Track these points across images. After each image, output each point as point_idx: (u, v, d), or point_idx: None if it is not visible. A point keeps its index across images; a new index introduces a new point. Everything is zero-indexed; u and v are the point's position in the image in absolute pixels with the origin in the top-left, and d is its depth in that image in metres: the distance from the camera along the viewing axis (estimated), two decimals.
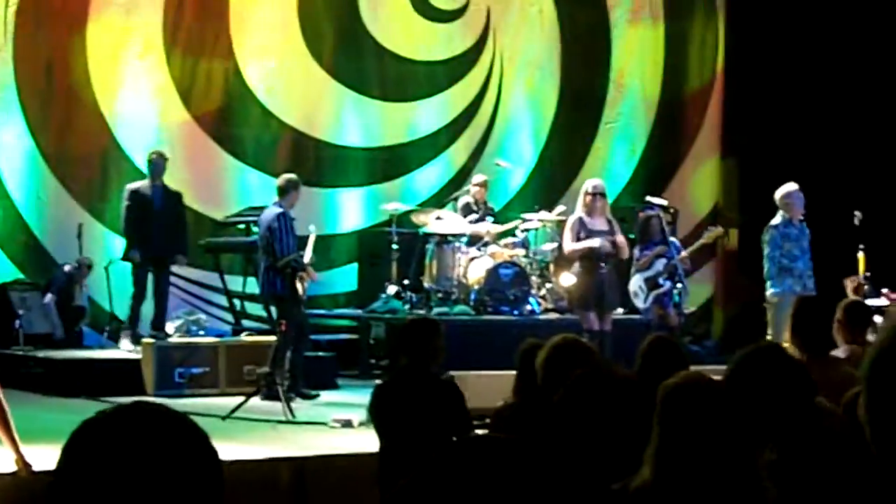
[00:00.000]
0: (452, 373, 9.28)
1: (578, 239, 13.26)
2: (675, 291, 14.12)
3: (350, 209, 17.43)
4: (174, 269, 15.01)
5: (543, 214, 15.77)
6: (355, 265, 17.10)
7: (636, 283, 14.29)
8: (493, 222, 15.77)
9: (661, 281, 14.12)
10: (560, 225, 14.65)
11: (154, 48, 16.28)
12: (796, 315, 7.16)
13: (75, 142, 15.90)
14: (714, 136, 19.40)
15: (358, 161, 17.49)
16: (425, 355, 7.22)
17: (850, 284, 14.05)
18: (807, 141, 17.70)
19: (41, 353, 14.29)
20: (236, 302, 15.97)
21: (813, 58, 17.94)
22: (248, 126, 16.85)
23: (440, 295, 15.26)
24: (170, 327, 14.31)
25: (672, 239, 14.57)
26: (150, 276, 14.31)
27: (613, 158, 18.84)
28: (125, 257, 14.37)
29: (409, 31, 17.78)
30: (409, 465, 6.48)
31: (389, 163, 17.64)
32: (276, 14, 16.97)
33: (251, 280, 15.20)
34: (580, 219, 13.34)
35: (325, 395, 13.43)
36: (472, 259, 15.29)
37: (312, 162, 17.04)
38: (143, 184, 14.32)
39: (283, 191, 13.29)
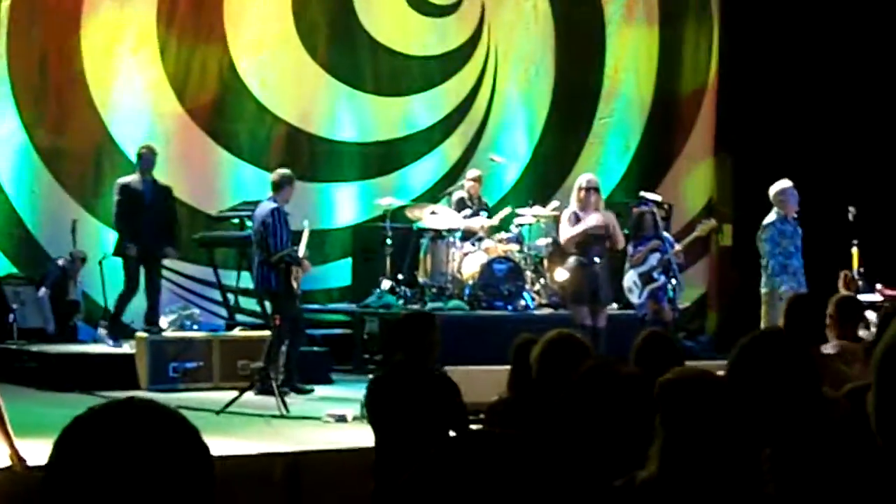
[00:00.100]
0: (447, 367, 9.27)
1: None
2: (670, 287, 14.13)
3: (344, 204, 17.42)
4: (166, 262, 15.04)
5: (537, 209, 15.77)
6: (349, 260, 17.10)
7: (630, 278, 14.30)
8: (488, 217, 15.77)
9: (655, 275, 14.13)
10: (555, 220, 14.64)
11: (148, 42, 16.27)
12: (790, 312, 7.17)
13: (69, 136, 15.90)
14: (709, 132, 19.40)
15: (352, 156, 17.49)
16: (421, 350, 7.21)
17: (841, 279, 14.07)
18: (801, 136, 17.71)
19: (35, 348, 14.29)
20: (230, 297, 15.96)
21: (806, 56, 17.95)
22: (242, 120, 16.84)
23: (434, 290, 15.25)
24: (164, 322, 14.30)
25: (665, 234, 14.57)
26: (140, 271, 14.30)
27: (608, 154, 18.84)
28: (118, 252, 14.34)
29: (404, 25, 17.77)
30: (405, 459, 6.49)
31: (383, 158, 17.63)
32: (270, 8, 16.96)
33: (245, 275, 15.18)
34: (574, 212, 13.37)
35: (319, 390, 13.44)
36: (467, 254, 15.29)
37: (306, 157, 17.03)
38: (133, 178, 14.29)
39: (278, 186, 13.28)
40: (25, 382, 13.49)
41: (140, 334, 13.91)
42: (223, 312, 15.96)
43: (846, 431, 3.97)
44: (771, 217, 13.10)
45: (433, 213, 15.46)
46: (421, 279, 15.45)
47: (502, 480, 2.11)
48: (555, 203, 15.64)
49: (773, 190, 13.20)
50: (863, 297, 13.45)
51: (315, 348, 14.64)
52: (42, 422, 10.42)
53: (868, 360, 7.67)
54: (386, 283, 15.52)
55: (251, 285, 14.22)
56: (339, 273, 17.12)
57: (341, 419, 11.23)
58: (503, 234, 15.65)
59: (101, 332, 14.45)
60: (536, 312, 15.16)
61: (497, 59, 18.36)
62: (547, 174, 18.25)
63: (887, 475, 1.95)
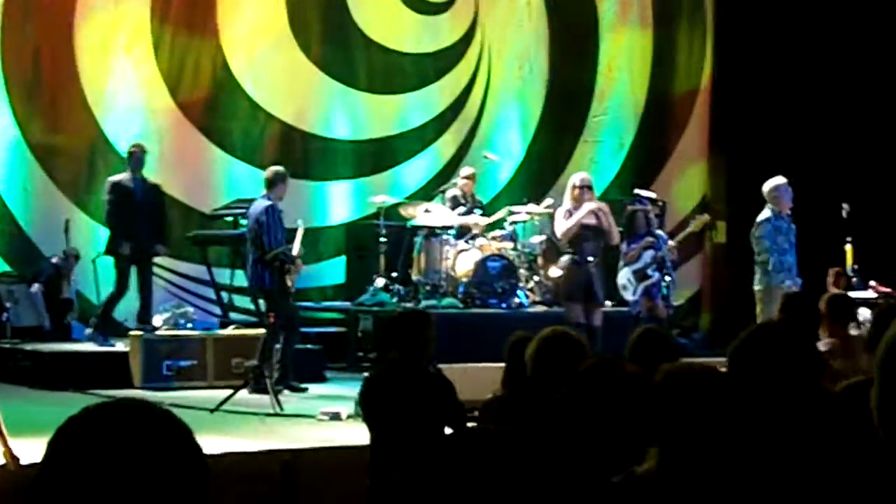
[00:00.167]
0: (441, 365, 9.27)
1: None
2: (664, 283, 14.14)
3: (338, 202, 17.41)
4: (160, 261, 15.04)
5: (531, 207, 15.76)
6: (343, 258, 17.10)
7: (624, 276, 14.31)
8: (482, 215, 15.76)
9: (649, 272, 14.14)
10: (550, 218, 14.64)
11: (141, 40, 16.26)
12: (784, 309, 7.17)
13: (62, 134, 15.89)
14: (703, 129, 19.40)
15: (346, 154, 17.48)
16: (416, 348, 7.21)
17: (831, 276, 14.09)
18: (794, 133, 17.72)
19: (28, 346, 14.28)
20: (224, 295, 15.95)
21: (800, 54, 17.96)
22: (235, 118, 16.83)
23: (428, 288, 15.24)
24: (157, 320, 14.28)
25: (659, 231, 14.58)
26: (132, 271, 14.28)
27: (602, 151, 18.83)
28: (110, 251, 14.31)
29: (397, 23, 17.76)
30: (400, 457, 6.48)
31: (377, 155, 17.62)
32: (263, 6, 16.95)
33: (239, 273, 15.17)
34: (569, 210, 13.38)
35: (313, 388, 13.43)
36: (461, 252, 15.28)
37: (300, 154, 17.02)
38: (124, 176, 14.27)
39: (271, 183, 13.28)
40: (19, 381, 13.49)
41: (134, 332, 13.89)
42: (217, 311, 15.95)
43: (846, 426, 3.96)
44: (765, 214, 13.10)
45: (427, 210, 15.45)
46: (415, 277, 15.44)
47: (498, 478, 2.10)
48: (549, 201, 15.62)
49: (767, 186, 13.20)
50: (856, 294, 13.48)
51: (309, 346, 14.63)
52: (36, 420, 10.40)
53: (859, 356, 7.70)
54: (380, 281, 15.51)
55: (245, 283, 14.22)
56: (332, 271, 17.12)
57: (335, 417, 11.23)
58: (497, 232, 15.64)
59: (88, 331, 14.43)
60: (530, 310, 15.15)
61: (491, 57, 18.35)
62: (541, 172, 18.24)
63: (889, 470, 1.95)
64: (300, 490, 9.07)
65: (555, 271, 14.04)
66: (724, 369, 4.04)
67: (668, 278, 14.15)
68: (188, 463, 2.07)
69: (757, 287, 13.08)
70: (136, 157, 14.30)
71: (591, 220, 13.41)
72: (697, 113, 19.34)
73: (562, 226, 13.42)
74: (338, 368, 14.91)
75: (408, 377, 7.11)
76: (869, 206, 15.63)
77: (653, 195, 15.03)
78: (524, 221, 15.86)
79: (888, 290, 14.10)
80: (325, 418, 11.25)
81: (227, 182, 16.67)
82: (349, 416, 11.14)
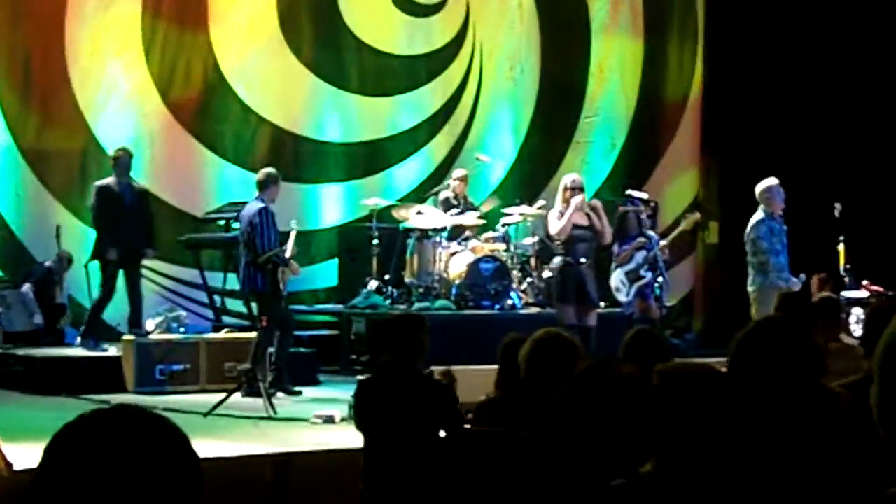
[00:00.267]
0: (434, 368, 9.26)
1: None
2: (657, 284, 14.15)
3: (330, 204, 17.40)
4: (153, 265, 15.03)
5: (524, 208, 15.77)
6: (335, 260, 17.08)
7: (617, 277, 14.32)
8: (474, 214, 15.77)
9: (642, 273, 14.15)
10: (543, 219, 14.63)
11: (132, 44, 16.23)
12: (780, 309, 7.17)
13: (54, 138, 15.85)
14: (695, 130, 19.41)
15: (337, 156, 17.46)
16: (409, 352, 7.20)
17: (815, 283, 14.09)
18: (786, 134, 17.73)
19: (21, 352, 14.25)
20: (216, 298, 15.93)
21: (792, 54, 17.98)
22: (227, 121, 16.81)
23: (421, 290, 15.24)
24: (150, 324, 14.26)
25: (650, 233, 14.58)
26: (119, 274, 14.25)
27: (593, 152, 18.84)
28: (96, 255, 14.28)
29: (388, 25, 17.75)
30: (394, 461, 6.47)
31: (369, 158, 17.61)
32: (254, 9, 16.93)
33: (231, 276, 15.16)
34: (560, 211, 13.40)
35: (307, 391, 13.42)
36: (453, 254, 15.28)
37: (292, 157, 17.01)
38: (110, 181, 14.24)
39: (263, 185, 13.27)
40: (11, 386, 13.46)
41: (126, 337, 13.87)
42: (210, 314, 15.93)
43: (846, 423, 3.96)
44: (759, 215, 13.10)
45: (419, 212, 15.45)
46: (408, 279, 15.44)
47: (493, 479, 2.09)
48: (541, 202, 15.63)
49: (760, 188, 13.20)
50: (849, 294, 13.50)
51: (302, 349, 14.61)
52: (28, 425, 10.39)
53: (853, 356, 7.71)
54: (373, 284, 15.50)
55: (238, 287, 14.20)
56: (325, 274, 17.10)
57: (329, 420, 11.22)
58: (490, 234, 15.65)
59: (79, 340, 14.40)
60: (523, 312, 15.15)
61: (482, 59, 18.35)
62: (533, 173, 18.25)
63: (888, 466, 1.95)
64: (293, 494, 9.05)
65: (547, 273, 14.05)
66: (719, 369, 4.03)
67: (660, 279, 14.16)
68: (184, 469, 2.07)
69: (751, 288, 13.08)
70: (123, 162, 14.27)
71: (583, 220, 13.43)
72: (689, 114, 19.36)
73: (555, 226, 13.43)
74: (331, 371, 14.89)
75: (402, 381, 7.10)
76: (861, 206, 15.64)
77: (645, 196, 15.02)
78: (517, 223, 15.87)
79: (880, 289, 14.11)
80: (319, 421, 11.24)
81: (219, 185, 16.65)
82: (343, 420, 11.13)
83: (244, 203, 13.69)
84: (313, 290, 16.95)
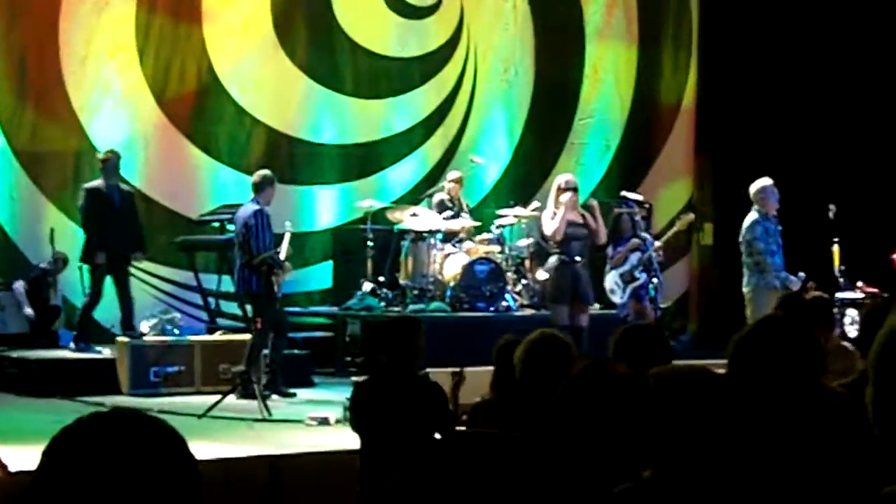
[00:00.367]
0: (429, 370, 9.26)
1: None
2: (651, 286, 14.16)
3: (324, 206, 17.39)
4: (146, 266, 15.04)
5: (518, 210, 15.77)
6: (330, 262, 17.08)
7: (612, 279, 14.33)
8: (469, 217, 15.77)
9: (637, 274, 14.16)
10: (537, 221, 14.64)
11: (126, 46, 16.22)
12: (781, 309, 7.17)
13: (48, 140, 15.83)
14: (689, 131, 19.42)
15: (332, 158, 17.46)
16: (406, 354, 7.20)
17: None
18: (780, 135, 17.74)
19: (15, 354, 14.22)
20: (211, 300, 15.92)
21: (786, 54, 17.99)
22: (221, 123, 16.80)
23: (416, 292, 15.24)
24: (144, 326, 14.24)
25: (644, 234, 14.59)
26: (107, 278, 14.23)
27: (588, 154, 18.84)
28: (87, 258, 14.26)
29: (383, 27, 17.75)
30: (391, 464, 6.46)
31: (363, 160, 17.61)
32: (248, 11, 16.92)
33: (226, 278, 15.16)
34: (554, 212, 13.42)
35: (301, 393, 13.42)
36: (448, 255, 15.28)
37: (286, 159, 17.00)
38: (99, 183, 14.21)
39: (259, 187, 13.26)
40: (5, 388, 13.44)
41: (121, 339, 13.86)
42: (204, 316, 15.92)
43: (846, 422, 3.96)
44: (753, 216, 13.11)
45: (414, 214, 15.45)
46: (402, 281, 15.44)
47: (489, 481, 2.09)
48: (535, 203, 15.63)
49: (754, 188, 13.21)
50: (843, 295, 13.50)
51: (296, 351, 14.61)
52: (23, 428, 10.39)
53: (847, 356, 7.71)
54: (367, 286, 15.50)
55: (232, 289, 14.19)
56: (319, 276, 17.09)
57: (324, 422, 11.22)
58: (484, 235, 15.65)
59: (72, 345, 14.37)
60: (518, 313, 15.16)
61: (476, 61, 18.35)
62: (527, 175, 18.25)
63: (883, 464, 1.95)
64: (288, 495, 9.05)
65: (542, 274, 14.05)
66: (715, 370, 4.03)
67: (655, 280, 14.17)
68: (181, 472, 2.08)
69: (746, 288, 13.09)
70: (112, 164, 14.24)
71: (577, 219, 13.45)
72: (683, 116, 19.37)
73: (549, 226, 13.45)
74: (325, 373, 14.89)
75: (398, 384, 7.10)
76: (855, 207, 15.65)
77: (639, 198, 15.04)
78: (511, 224, 15.87)
79: (875, 290, 14.12)
80: (314, 423, 11.25)
81: (214, 187, 16.64)
82: (337, 421, 11.14)
83: (239, 205, 13.69)
84: (308, 292, 16.94)
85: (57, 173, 15.87)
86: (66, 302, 15.53)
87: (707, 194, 18.98)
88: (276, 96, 17.12)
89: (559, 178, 13.82)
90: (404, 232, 15.53)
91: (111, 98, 16.12)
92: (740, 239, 13.20)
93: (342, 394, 11.82)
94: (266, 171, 13.55)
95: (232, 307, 15.33)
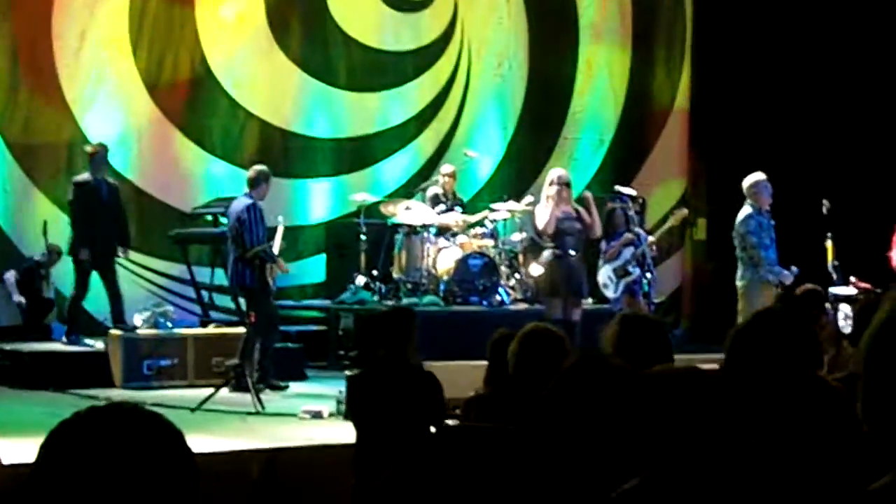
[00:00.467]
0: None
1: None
2: (645, 280, 14.16)
3: (318, 200, 17.39)
4: (139, 259, 15.06)
5: (512, 204, 15.77)
6: (323, 256, 17.08)
7: (605, 273, 14.33)
8: (462, 213, 15.76)
9: (630, 269, 14.17)
10: (530, 215, 14.63)
11: (120, 38, 16.20)
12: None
13: (41, 132, 15.82)
14: (683, 126, 19.44)
15: (325, 151, 17.45)
16: (403, 344, 7.21)
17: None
18: (774, 131, 17.75)
19: (8, 346, 14.21)
20: (204, 294, 15.92)
21: (779, 50, 18.00)
22: (215, 116, 16.79)
23: (409, 286, 15.24)
24: (137, 319, 14.24)
25: (638, 229, 14.60)
26: (92, 274, 14.21)
27: (581, 148, 18.84)
28: (73, 252, 14.24)
29: (377, 21, 17.74)
30: (388, 455, 6.47)
31: (357, 153, 17.60)
32: (242, 3, 16.91)
33: (219, 271, 15.15)
34: (546, 207, 13.43)
35: (294, 387, 13.43)
36: (441, 249, 15.28)
37: (280, 152, 16.99)
38: (88, 177, 14.20)
39: (254, 182, 13.25)
40: None
41: (114, 332, 13.86)
42: (197, 309, 15.92)
43: (842, 415, 3.96)
44: (747, 210, 13.11)
45: (407, 208, 15.45)
46: (396, 275, 15.44)
47: (482, 474, 2.09)
48: (529, 198, 15.63)
49: (747, 183, 13.21)
50: (837, 291, 13.51)
51: (289, 345, 14.62)
52: (16, 420, 10.39)
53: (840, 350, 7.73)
54: (360, 280, 15.50)
55: (225, 282, 14.19)
56: (313, 269, 17.09)
57: (317, 416, 11.23)
58: (478, 230, 15.65)
59: (64, 339, 14.36)
60: (512, 307, 15.16)
61: (470, 54, 18.35)
62: (521, 169, 18.25)
63: (872, 462, 1.95)
64: (282, 488, 9.05)
65: (535, 268, 14.05)
66: (706, 366, 4.01)
67: (648, 275, 14.17)
68: (180, 466, 2.08)
69: (740, 282, 13.10)
70: (101, 157, 14.22)
71: (571, 212, 13.44)
72: (677, 111, 19.38)
73: (541, 220, 13.45)
74: (318, 367, 14.90)
75: (397, 375, 7.11)
76: (849, 202, 15.65)
77: (633, 192, 15.04)
78: (505, 219, 15.87)
79: (868, 285, 14.13)
80: (307, 417, 11.25)
81: (207, 180, 16.63)
82: (331, 415, 11.15)
83: (232, 198, 13.68)
84: (301, 285, 16.95)
85: (50, 165, 15.86)
86: (58, 295, 15.53)
87: (700, 189, 19.00)
88: (269, 89, 17.12)
89: (551, 173, 13.83)
90: (398, 226, 15.52)
91: (104, 91, 16.11)
92: (733, 233, 13.21)
93: (335, 387, 11.84)
94: (262, 167, 13.55)
95: (225, 300, 15.33)
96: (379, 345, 7.34)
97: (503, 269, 15.52)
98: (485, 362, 6.81)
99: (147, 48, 16.33)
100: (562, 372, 3.79)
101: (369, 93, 17.69)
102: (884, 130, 17.33)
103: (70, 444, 2.05)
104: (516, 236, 15.76)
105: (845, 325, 11.67)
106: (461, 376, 9.08)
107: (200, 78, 16.66)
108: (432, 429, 6.88)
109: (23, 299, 15.19)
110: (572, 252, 13.36)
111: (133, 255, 15.25)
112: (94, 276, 14.22)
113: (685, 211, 15.67)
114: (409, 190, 16.93)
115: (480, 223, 15.76)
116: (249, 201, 13.06)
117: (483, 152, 17.60)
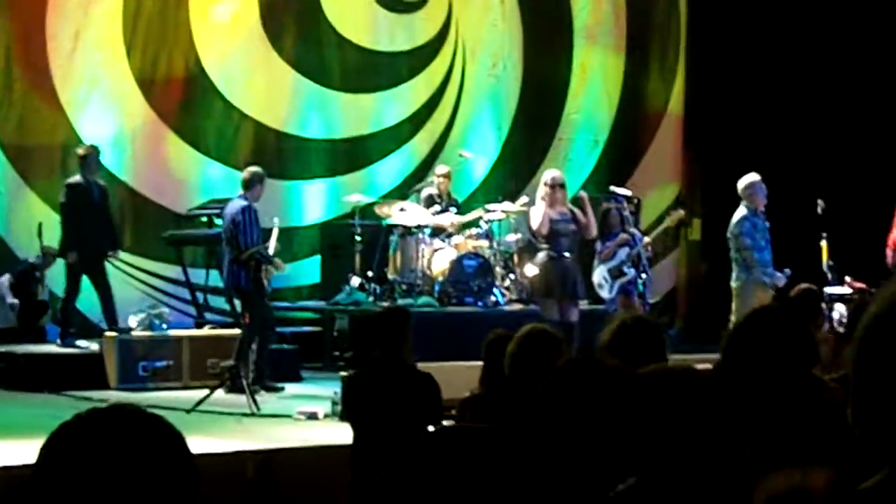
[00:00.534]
0: (417, 364, 9.27)
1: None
2: (640, 281, 14.17)
3: (312, 201, 17.38)
4: (133, 261, 15.03)
5: (507, 205, 15.76)
6: (318, 257, 17.06)
7: (600, 274, 14.33)
8: (457, 213, 15.76)
9: (625, 269, 14.17)
10: (525, 216, 14.63)
11: (114, 40, 16.18)
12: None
13: (35, 134, 15.80)
14: (677, 127, 19.43)
15: (320, 153, 17.44)
16: (398, 344, 7.21)
17: None
18: (768, 130, 17.76)
19: (2, 348, 14.18)
20: (199, 295, 15.90)
21: (774, 50, 18.01)
22: (209, 118, 16.77)
23: (404, 286, 15.23)
24: (132, 321, 14.22)
25: (633, 229, 14.60)
26: (82, 276, 14.19)
27: (576, 149, 18.84)
28: (62, 254, 14.22)
29: (371, 21, 17.73)
30: (385, 455, 6.47)
31: (351, 154, 17.59)
32: (236, 4, 16.89)
33: (214, 273, 15.13)
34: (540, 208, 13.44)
35: (290, 388, 13.42)
36: (436, 250, 15.28)
37: (274, 154, 16.97)
38: (79, 179, 14.17)
39: (249, 184, 13.25)
40: None
41: (109, 333, 13.84)
42: (192, 311, 15.90)
43: (834, 412, 3.96)
44: (742, 211, 13.12)
45: (402, 209, 15.44)
46: (390, 276, 15.43)
47: (477, 473, 2.09)
48: (524, 199, 15.63)
49: (742, 184, 13.22)
50: (832, 290, 13.52)
51: (284, 346, 14.61)
52: (10, 422, 10.37)
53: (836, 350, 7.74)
54: (355, 280, 15.49)
55: (220, 284, 14.18)
56: (307, 270, 17.08)
57: (312, 417, 11.22)
58: (473, 230, 15.64)
59: (58, 342, 14.35)
60: (507, 308, 15.16)
61: (465, 55, 18.34)
62: (516, 170, 18.24)
63: (863, 462, 1.94)
64: (277, 490, 9.04)
65: (530, 269, 14.05)
66: (700, 367, 4.01)
67: (644, 276, 14.18)
68: (180, 468, 2.09)
69: (734, 283, 13.10)
70: (93, 159, 14.21)
71: (566, 213, 13.44)
72: (672, 112, 19.38)
73: (535, 221, 13.45)
74: (313, 368, 14.88)
75: (393, 375, 7.11)
76: (844, 202, 15.66)
77: (628, 193, 15.05)
78: (499, 220, 15.87)
79: (863, 285, 14.13)
80: (302, 418, 11.24)
81: (202, 182, 16.62)
82: (326, 416, 11.14)
83: (227, 200, 13.68)
84: (296, 286, 16.93)
85: (44, 167, 15.84)
86: (52, 297, 15.51)
87: (695, 190, 18.99)
88: (263, 91, 17.10)
89: (545, 175, 13.82)
90: (392, 227, 15.51)
91: (98, 92, 16.09)
92: (728, 234, 13.21)
93: (330, 388, 11.83)
94: (257, 168, 13.54)
95: (220, 302, 15.31)
96: (374, 346, 7.34)
97: (498, 269, 15.52)
98: (480, 363, 6.81)
99: (141, 49, 16.31)
100: (554, 371, 3.78)
101: (363, 94, 17.68)
102: (878, 130, 17.34)
103: (71, 445, 2.05)
104: (511, 237, 15.76)
105: (840, 325, 11.68)
106: (456, 377, 9.09)
107: (194, 79, 16.64)
108: (430, 429, 6.87)
109: (16, 301, 15.18)
110: (567, 254, 13.35)
111: (128, 256, 15.23)
112: (87, 278, 14.21)
113: (682, 212, 15.67)
114: (403, 191, 16.92)
115: (475, 223, 15.75)
116: (244, 203, 13.06)
117: (478, 153, 17.59)
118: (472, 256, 15.19)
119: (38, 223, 15.29)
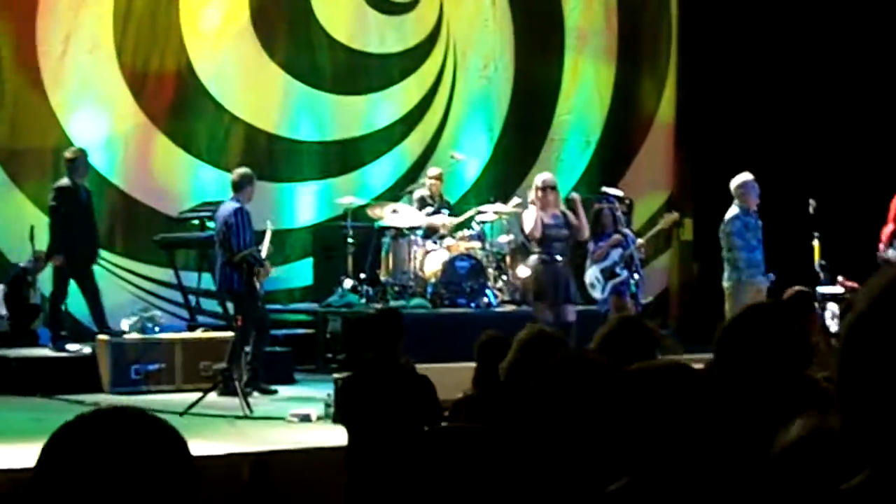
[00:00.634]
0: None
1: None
2: (632, 281, 14.17)
3: (304, 203, 17.37)
4: (125, 264, 15.01)
5: (499, 206, 15.77)
6: (310, 259, 17.05)
7: (592, 274, 14.33)
8: (449, 215, 15.76)
9: (618, 270, 14.17)
10: (518, 217, 14.63)
11: (104, 42, 16.16)
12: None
13: (26, 137, 15.78)
14: (669, 126, 19.44)
15: (311, 155, 17.43)
16: (392, 344, 7.21)
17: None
18: (760, 129, 17.77)
19: None
20: (191, 298, 15.89)
21: (765, 49, 18.02)
22: (200, 120, 16.76)
23: (397, 288, 15.24)
24: (125, 324, 14.21)
25: (626, 230, 14.60)
26: (70, 279, 14.18)
27: (568, 150, 18.84)
28: (48, 258, 14.21)
29: (362, 23, 17.72)
30: (380, 456, 6.47)
31: (343, 156, 17.58)
32: (227, 7, 16.88)
33: (206, 276, 15.12)
34: (533, 210, 13.43)
35: (283, 390, 13.42)
36: (428, 252, 15.28)
37: (266, 156, 16.96)
38: (68, 182, 14.16)
39: (239, 186, 13.26)
40: None
41: (101, 337, 13.83)
42: (185, 314, 15.88)
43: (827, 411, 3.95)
44: (734, 210, 13.14)
45: (394, 211, 15.45)
46: (383, 278, 15.43)
47: (470, 475, 2.09)
48: (516, 200, 15.64)
49: (734, 183, 13.23)
50: (824, 290, 13.54)
51: (277, 348, 14.60)
52: (4, 426, 10.35)
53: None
54: (348, 283, 15.49)
55: (213, 286, 14.17)
56: (300, 273, 17.07)
57: (305, 419, 11.22)
58: (465, 232, 15.65)
59: (50, 345, 14.33)
60: (499, 309, 15.16)
61: (456, 57, 18.34)
62: (508, 171, 18.23)
63: (847, 459, 1.94)
64: (271, 492, 9.04)
65: (523, 270, 14.05)
66: (695, 365, 4.00)
67: (636, 276, 14.18)
68: (181, 471, 2.10)
69: (726, 283, 13.11)
70: (81, 162, 14.20)
71: (558, 216, 13.44)
72: (663, 112, 19.38)
73: (527, 225, 13.45)
74: (306, 370, 14.89)
75: (386, 376, 7.11)
76: (836, 202, 15.69)
77: (620, 193, 15.05)
78: (492, 221, 15.87)
79: (855, 284, 14.15)
80: (295, 420, 11.24)
81: (193, 184, 16.60)
82: (319, 418, 11.14)
83: (219, 202, 13.68)
84: (288, 289, 16.92)
85: (35, 170, 15.81)
86: (44, 301, 15.48)
87: (687, 189, 19.00)
88: (254, 93, 17.09)
89: (537, 178, 13.81)
90: (385, 228, 15.52)
91: (89, 95, 16.07)
92: (720, 233, 13.22)
93: (323, 390, 11.83)
94: (245, 170, 13.54)
95: (212, 304, 15.30)
96: (367, 347, 7.35)
97: (490, 271, 15.52)
98: (472, 364, 6.81)
99: (132, 52, 16.29)
100: (545, 370, 3.78)
101: (355, 95, 17.67)
102: (869, 130, 17.36)
103: (73, 446, 2.05)
104: (503, 238, 15.76)
105: (833, 324, 11.70)
106: (449, 378, 9.07)
107: (185, 82, 16.63)
108: (426, 428, 6.88)
109: (6, 311, 15.14)
110: (559, 257, 13.35)
111: (120, 259, 15.22)
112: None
113: (676, 215, 15.68)
114: (395, 192, 16.92)
115: (468, 224, 15.76)
116: (237, 205, 13.06)
117: (469, 154, 17.58)
118: (464, 258, 15.20)
119: (29, 227, 15.26)
